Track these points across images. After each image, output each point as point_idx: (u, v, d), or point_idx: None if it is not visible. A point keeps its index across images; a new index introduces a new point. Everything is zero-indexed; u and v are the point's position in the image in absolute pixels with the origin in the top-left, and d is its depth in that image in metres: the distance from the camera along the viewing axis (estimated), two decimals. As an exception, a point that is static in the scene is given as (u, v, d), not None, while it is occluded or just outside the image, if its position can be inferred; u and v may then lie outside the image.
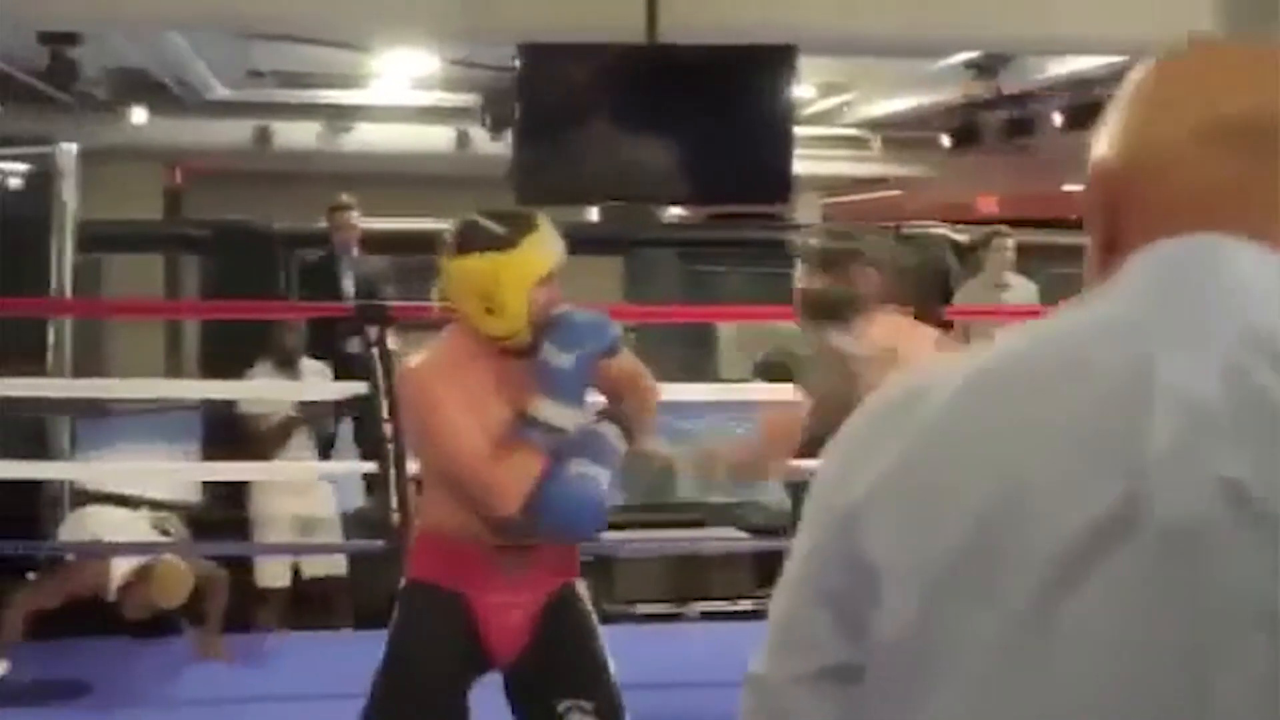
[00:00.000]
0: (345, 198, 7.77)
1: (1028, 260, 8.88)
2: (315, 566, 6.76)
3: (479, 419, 3.36)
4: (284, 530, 6.76)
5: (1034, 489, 0.95)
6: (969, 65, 10.30)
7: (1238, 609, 0.90)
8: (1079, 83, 10.58)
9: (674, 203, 11.27)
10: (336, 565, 6.74)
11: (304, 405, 6.74)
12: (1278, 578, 0.89)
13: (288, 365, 6.73)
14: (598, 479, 3.42)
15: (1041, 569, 0.93)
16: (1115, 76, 10.06)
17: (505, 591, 3.50)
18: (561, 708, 3.49)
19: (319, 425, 6.77)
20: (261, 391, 6.80)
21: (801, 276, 3.78)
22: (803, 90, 12.04)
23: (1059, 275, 11.16)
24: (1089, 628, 0.92)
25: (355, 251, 7.66)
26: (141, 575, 5.63)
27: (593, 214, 13.62)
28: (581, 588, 3.63)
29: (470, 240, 3.43)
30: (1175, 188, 1.04)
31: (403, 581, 3.61)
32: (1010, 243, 8.14)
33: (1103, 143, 1.10)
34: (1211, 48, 1.11)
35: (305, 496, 6.71)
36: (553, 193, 7.56)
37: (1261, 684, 0.89)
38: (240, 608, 6.64)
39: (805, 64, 8.89)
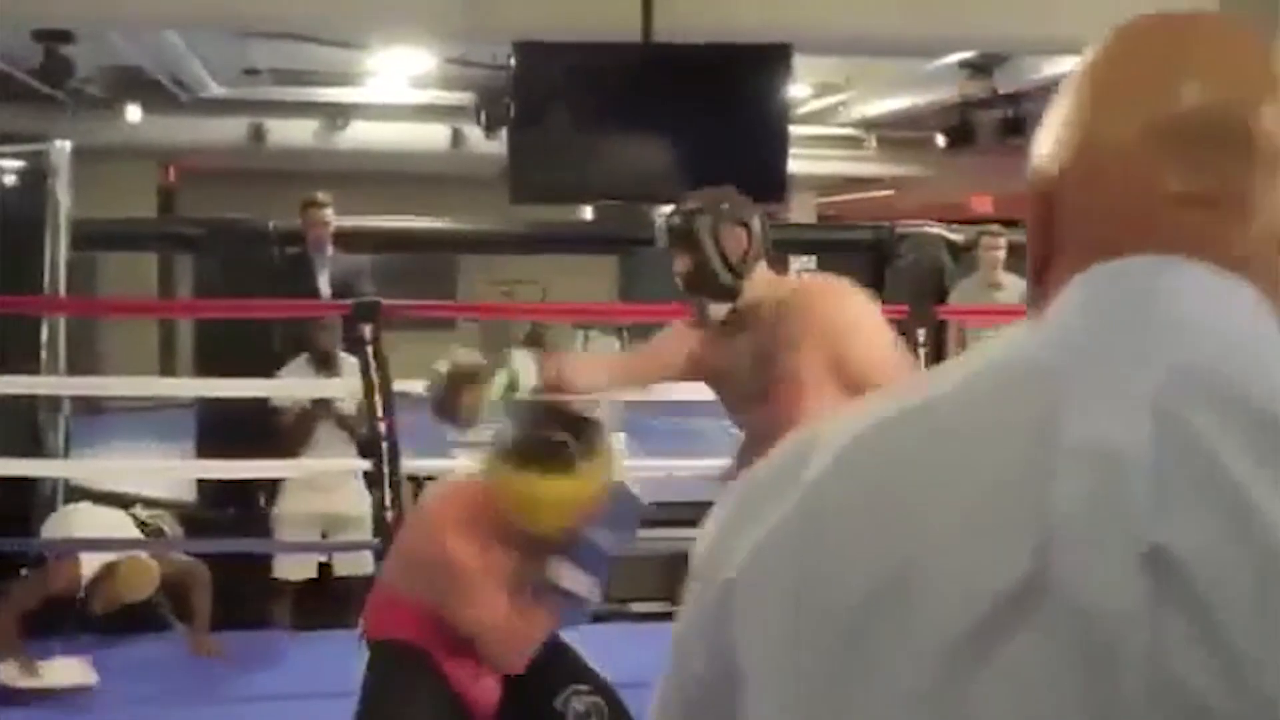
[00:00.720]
0: (320, 195, 7.70)
1: (1022, 260, 8.88)
2: (344, 565, 6.73)
3: (496, 576, 3.38)
4: (306, 528, 6.72)
5: (926, 564, 0.80)
6: (964, 65, 10.32)
7: (1158, 703, 0.75)
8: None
9: (669, 202, 11.27)
10: (364, 564, 6.68)
11: (323, 402, 6.68)
12: (1209, 667, 0.74)
13: (325, 363, 6.69)
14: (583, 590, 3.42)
15: (933, 657, 0.79)
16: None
17: (475, 662, 3.48)
18: (560, 700, 3.52)
19: (351, 422, 6.61)
20: (255, 390, 6.78)
21: (674, 261, 3.60)
22: (798, 89, 12.05)
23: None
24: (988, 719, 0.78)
25: (330, 250, 7.60)
26: (108, 571, 5.64)
27: (587, 213, 13.64)
28: None
29: (530, 456, 3.38)
30: (1117, 198, 0.88)
31: (364, 640, 3.57)
32: (1002, 241, 8.13)
33: (1042, 143, 0.94)
34: (1172, 27, 0.92)
35: (332, 494, 6.65)
36: (547, 192, 7.57)
37: None
38: (255, 604, 6.65)
39: (801, 63, 8.89)
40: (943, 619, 0.79)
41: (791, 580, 0.84)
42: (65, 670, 5.44)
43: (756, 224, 3.57)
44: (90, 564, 5.70)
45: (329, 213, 7.54)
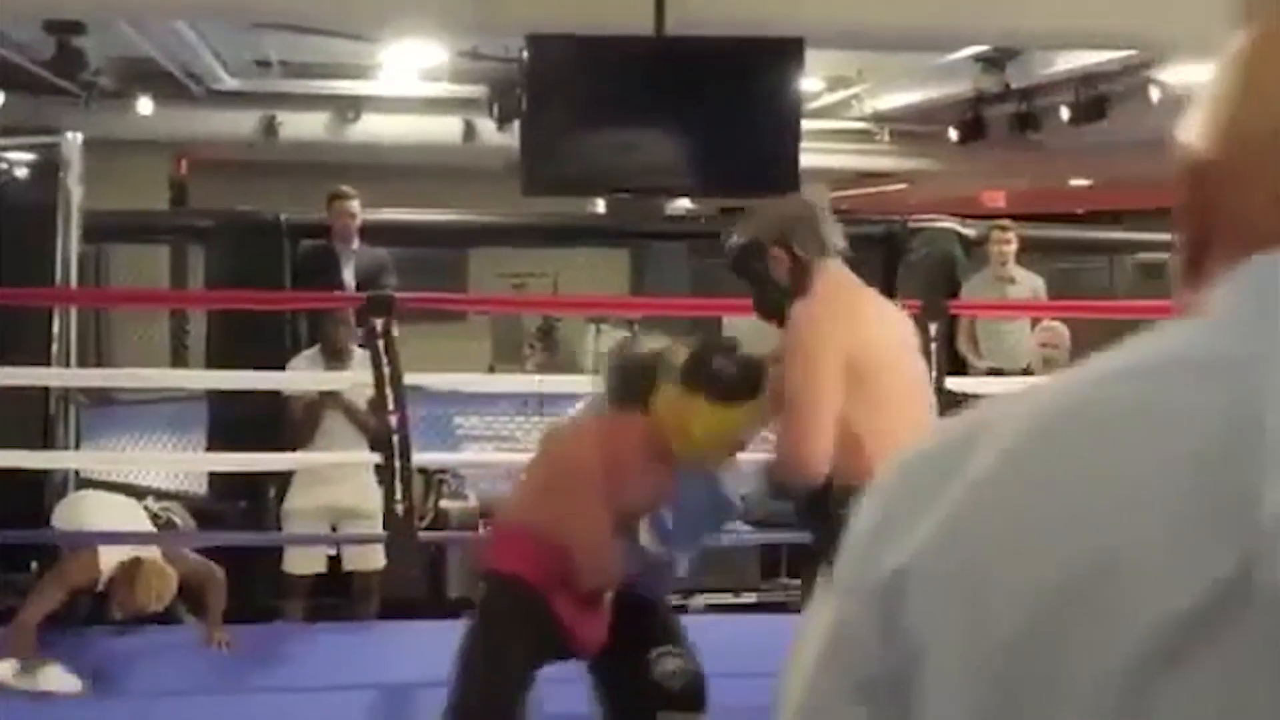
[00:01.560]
0: (345, 187, 7.75)
1: (1034, 254, 8.86)
2: (353, 560, 6.72)
3: (610, 498, 3.61)
4: (315, 521, 6.71)
5: (1121, 563, 0.79)
6: (977, 59, 10.30)
7: None
8: (1086, 78, 10.56)
9: (681, 195, 11.27)
10: (374, 559, 6.67)
11: (332, 394, 6.66)
12: None
13: (337, 356, 6.68)
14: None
15: (1133, 659, 0.77)
16: (1122, 71, 10.02)
17: (587, 601, 3.74)
18: (653, 655, 3.75)
19: (361, 415, 6.57)
20: (265, 383, 6.77)
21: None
22: (810, 83, 12.02)
23: (1065, 270, 11.17)
24: None
25: (356, 242, 7.64)
26: (126, 575, 5.62)
27: (600, 206, 13.62)
28: None
29: (699, 378, 3.58)
30: (1271, 191, 0.87)
31: (485, 573, 3.84)
32: (1013, 236, 8.11)
33: (1191, 131, 0.92)
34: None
35: (341, 487, 6.63)
36: (559, 184, 7.56)
37: None
38: (266, 597, 6.66)
39: (813, 57, 8.87)
40: (1138, 618, 0.77)
41: (973, 572, 0.82)
42: (58, 678, 5.44)
43: (801, 239, 3.59)
44: (109, 556, 5.69)
45: (356, 205, 7.59)
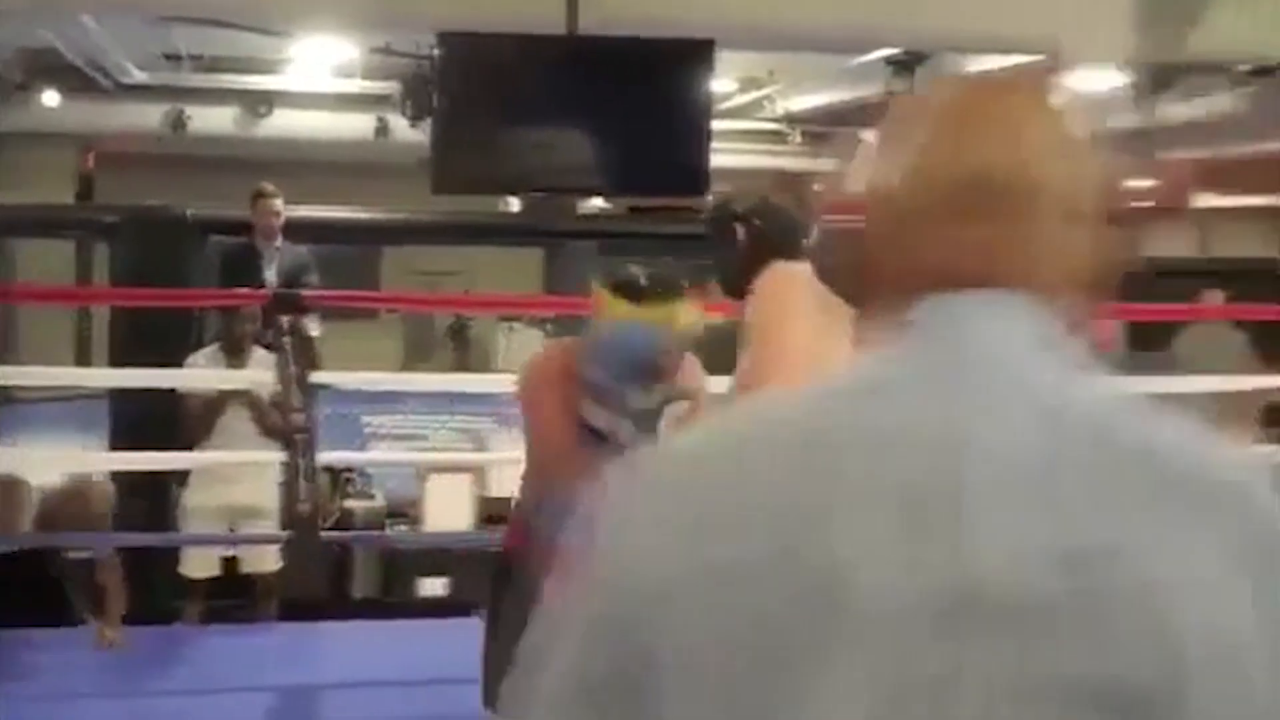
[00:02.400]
0: (268, 185, 7.72)
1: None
2: (250, 561, 6.65)
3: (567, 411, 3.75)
4: (212, 520, 6.63)
5: (853, 566, 0.87)
6: (889, 61, 10.36)
7: (1080, 688, 0.84)
8: (996, 81, 10.67)
9: (592, 195, 11.25)
10: (270, 560, 6.61)
11: (232, 392, 6.59)
12: (1119, 652, 0.85)
13: (236, 352, 6.62)
14: None
15: (869, 651, 0.85)
16: (1032, 75, 10.16)
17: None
18: None
19: (263, 413, 6.51)
20: (166, 380, 6.68)
21: None
22: (723, 84, 12.06)
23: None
24: (918, 710, 0.85)
25: (279, 240, 7.61)
26: (74, 490, 5.64)
27: (513, 205, 13.57)
28: None
29: (615, 281, 3.77)
30: (929, 243, 1.01)
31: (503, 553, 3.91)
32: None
33: (872, 174, 1.06)
34: (979, 90, 1.08)
35: (238, 485, 6.56)
36: (470, 182, 7.54)
37: None
38: (165, 598, 6.57)
39: (727, 57, 8.90)
40: (875, 617, 0.85)
41: (707, 582, 0.88)
42: None
43: (762, 220, 3.64)
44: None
45: (279, 203, 7.59)
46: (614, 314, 3.71)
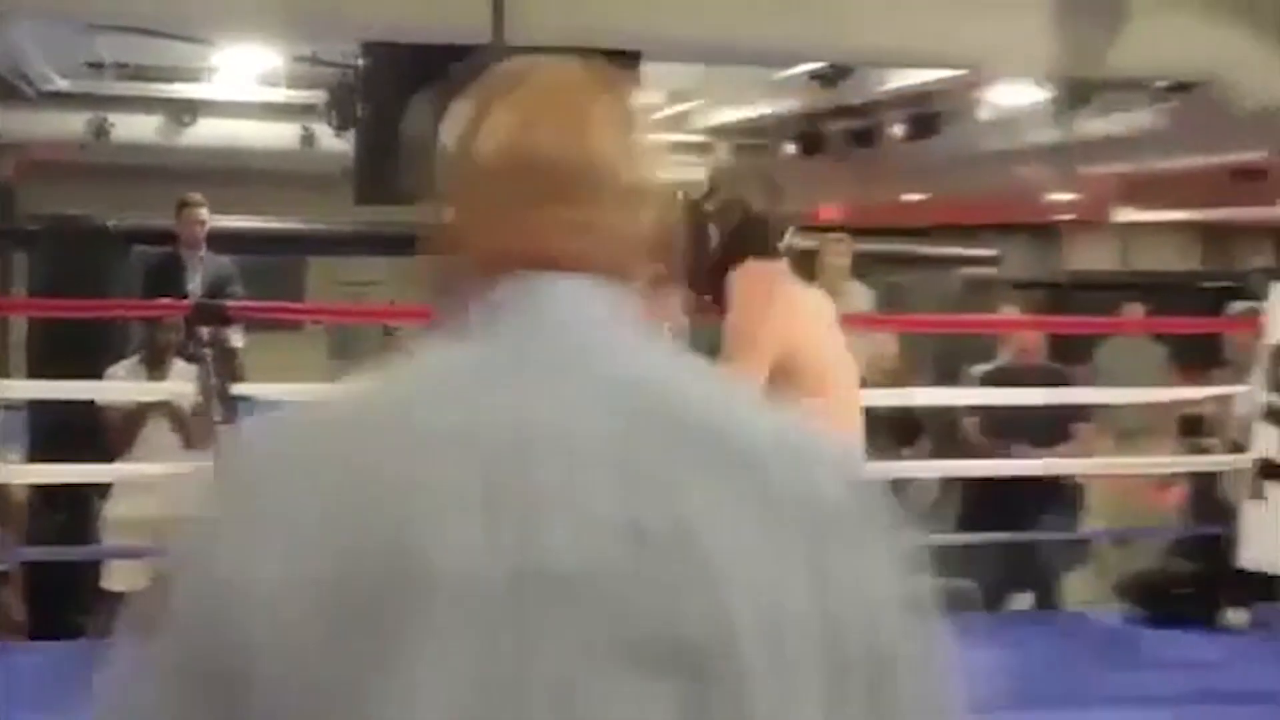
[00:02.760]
0: (194, 195, 7.68)
1: (868, 267, 9.02)
2: None
3: None
4: (135, 531, 6.55)
5: (435, 551, 0.91)
6: (813, 76, 10.45)
7: (647, 649, 0.91)
8: (919, 96, 10.78)
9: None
10: None
11: (152, 403, 6.54)
12: (680, 614, 0.92)
13: (157, 364, 6.55)
14: None
15: (455, 633, 0.90)
16: (953, 90, 10.24)
17: None
18: None
19: (185, 424, 6.44)
20: (85, 392, 6.62)
21: None
22: (650, 96, 12.10)
23: (897, 284, 11.38)
24: (503, 677, 0.90)
25: (203, 250, 7.56)
26: None
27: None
28: None
29: None
30: (502, 227, 1.06)
31: None
32: (845, 249, 8.26)
33: (439, 168, 1.11)
34: (534, 77, 1.12)
35: (161, 497, 6.48)
36: (393, 192, 7.51)
37: None
38: (81, 612, 6.50)
39: (653, 70, 8.93)
40: (458, 603, 0.90)
41: (290, 575, 0.92)
42: None
43: (735, 220, 3.62)
44: None
45: (204, 212, 7.54)
46: None
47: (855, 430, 3.57)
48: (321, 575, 0.92)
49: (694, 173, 15.06)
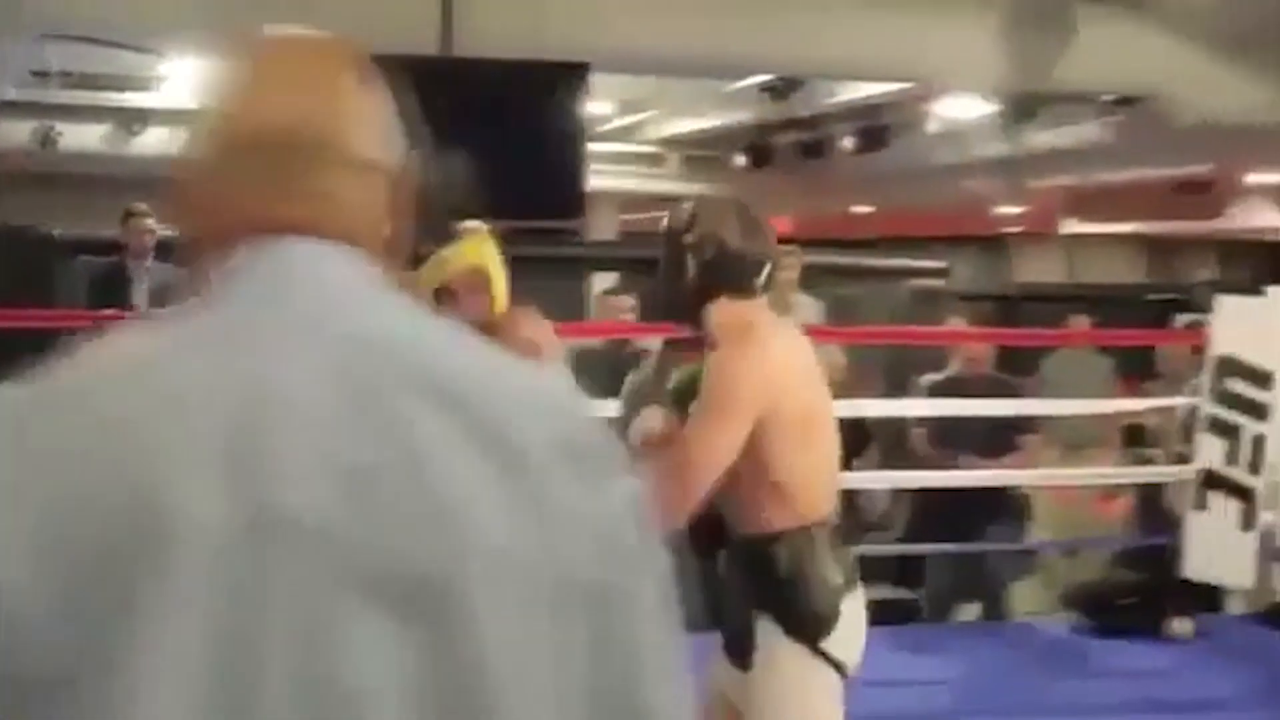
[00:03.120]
0: (141, 204, 7.63)
1: (817, 279, 9.05)
2: None
3: None
4: None
5: (170, 504, 0.95)
6: (764, 88, 10.49)
7: (378, 585, 0.97)
8: (868, 108, 10.84)
9: (468, 216, 11.22)
10: None
11: None
12: (413, 553, 0.99)
13: None
14: None
15: (199, 579, 0.94)
16: (903, 103, 10.29)
17: None
18: None
19: None
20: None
21: None
22: (602, 106, 12.11)
23: (846, 295, 11.43)
24: (245, 618, 0.95)
25: (150, 260, 7.51)
26: None
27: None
28: None
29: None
30: (247, 194, 1.12)
31: None
32: (795, 262, 8.28)
33: (192, 137, 1.15)
34: (272, 51, 1.18)
35: None
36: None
37: (367, 658, 0.97)
38: None
39: (605, 81, 8.93)
40: (201, 551, 0.94)
41: (38, 529, 0.95)
42: None
43: (712, 254, 3.61)
44: None
45: (152, 221, 7.48)
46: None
47: (834, 478, 3.56)
48: (65, 534, 0.95)
49: (644, 185, 15.10)
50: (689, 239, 3.63)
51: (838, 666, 3.39)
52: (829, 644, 3.39)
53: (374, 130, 1.18)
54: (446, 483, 1.01)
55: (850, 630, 3.41)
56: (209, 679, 0.94)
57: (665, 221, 3.64)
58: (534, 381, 1.14)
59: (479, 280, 3.87)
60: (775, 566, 3.38)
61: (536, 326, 3.86)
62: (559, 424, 1.09)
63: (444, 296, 3.81)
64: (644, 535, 1.10)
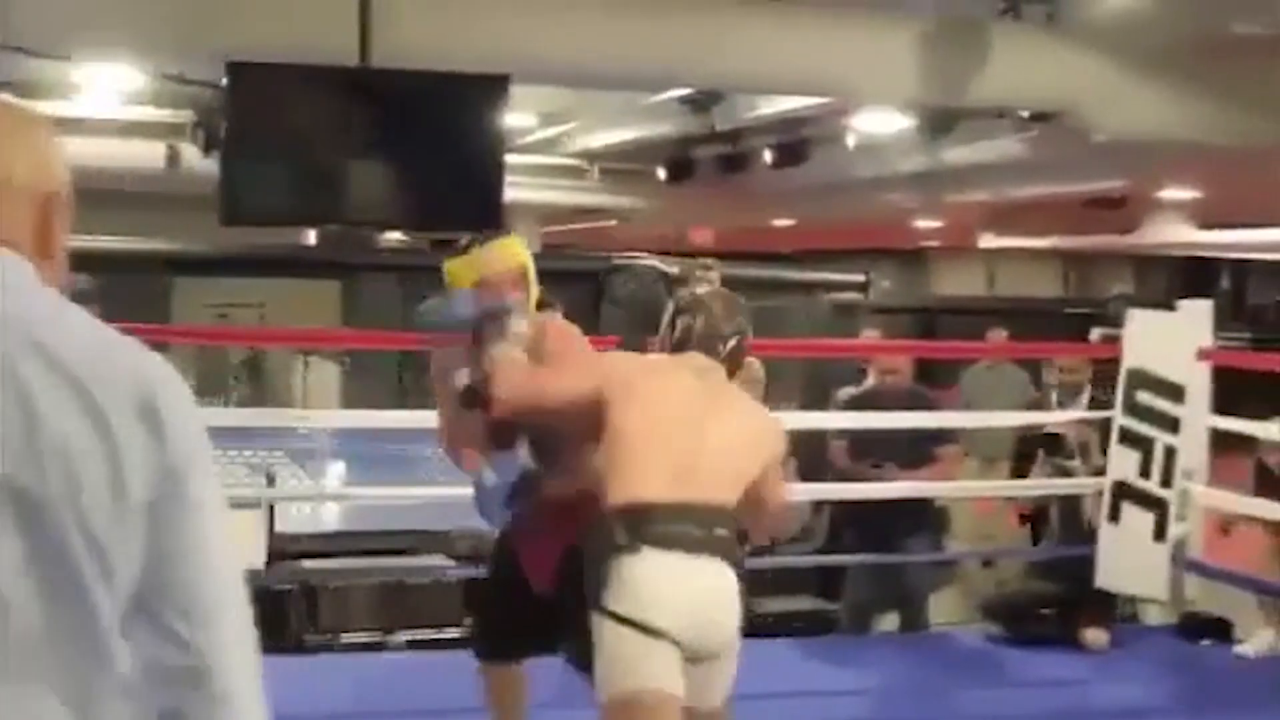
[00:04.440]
0: None
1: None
2: None
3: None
4: None
5: None
6: (684, 101, 10.50)
7: (73, 539, 1.36)
8: (788, 122, 10.88)
9: (387, 228, 11.17)
10: None
11: None
12: (17, 469, 1.35)
13: None
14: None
15: None
16: (823, 116, 10.33)
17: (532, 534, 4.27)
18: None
19: None
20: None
21: None
22: (524, 119, 12.09)
23: (767, 308, 11.47)
24: None
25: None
26: None
27: (311, 236, 13.40)
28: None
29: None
30: None
31: None
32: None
33: None
34: None
35: None
36: (260, 213, 7.42)
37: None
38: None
39: (526, 92, 8.91)
40: None
41: None
42: None
43: (678, 316, 4.11)
44: None
45: None
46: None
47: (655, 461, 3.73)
48: None
49: (565, 197, 15.07)
50: (678, 300, 4.10)
51: (642, 628, 3.38)
52: (620, 606, 3.41)
53: (34, 165, 1.61)
54: (47, 419, 1.38)
55: (652, 590, 3.40)
56: None
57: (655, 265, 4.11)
58: (115, 343, 1.50)
59: (519, 276, 4.24)
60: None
61: (559, 336, 4.21)
62: (123, 373, 1.45)
63: (483, 287, 4.16)
64: (185, 459, 1.45)
